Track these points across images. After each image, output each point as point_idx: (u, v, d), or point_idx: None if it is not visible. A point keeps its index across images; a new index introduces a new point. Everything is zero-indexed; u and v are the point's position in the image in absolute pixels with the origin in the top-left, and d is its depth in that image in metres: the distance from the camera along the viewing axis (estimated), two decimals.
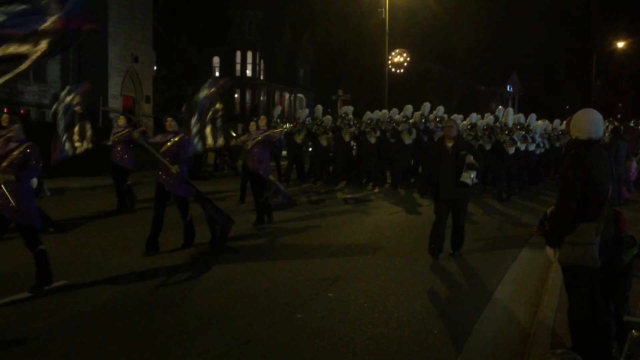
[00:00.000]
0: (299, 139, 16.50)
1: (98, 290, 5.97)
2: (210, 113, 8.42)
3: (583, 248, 4.04)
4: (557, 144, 17.76)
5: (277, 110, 18.18)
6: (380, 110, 17.59)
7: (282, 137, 14.15)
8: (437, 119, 16.18)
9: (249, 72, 50.36)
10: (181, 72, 37.67)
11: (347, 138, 16.18)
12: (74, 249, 7.80)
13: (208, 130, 8.46)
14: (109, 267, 6.87)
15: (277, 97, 53.20)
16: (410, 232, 9.53)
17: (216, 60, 50.42)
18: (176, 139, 7.77)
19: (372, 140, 15.78)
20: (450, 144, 7.45)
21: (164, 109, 31.99)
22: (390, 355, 4.58)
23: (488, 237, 9.38)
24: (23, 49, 4.73)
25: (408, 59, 34.93)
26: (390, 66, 33.14)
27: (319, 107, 17.85)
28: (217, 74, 50.09)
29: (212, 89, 8.45)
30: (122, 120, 11.28)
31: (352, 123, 16.26)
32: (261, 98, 50.25)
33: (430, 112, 16.74)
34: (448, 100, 45.08)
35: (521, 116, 15.47)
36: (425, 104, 16.72)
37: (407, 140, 15.67)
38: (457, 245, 7.89)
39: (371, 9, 32.45)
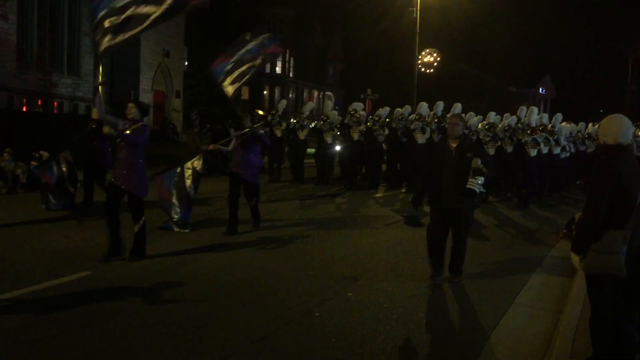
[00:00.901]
0: (302, 135, 15.72)
1: (114, 283, 6.06)
2: (246, 65, 8.28)
3: (609, 257, 3.95)
4: (583, 148, 16.90)
5: (309, 106, 17.41)
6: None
7: (264, 132, 13.00)
8: (415, 117, 14.90)
9: (278, 69, 50.56)
10: None
11: (355, 136, 15.27)
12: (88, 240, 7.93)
13: (235, 75, 8.27)
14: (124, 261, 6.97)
15: (305, 94, 53.29)
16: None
17: None
18: (135, 126, 6.77)
19: (380, 138, 15.09)
20: (454, 145, 6.31)
21: (194, 104, 32.34)
22: (407, 356, 4.55)
23: (511, 243, 9.25)
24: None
25: (438, 58, 34.60)
26: (420, 66, 32.93)
27: (329, 103, 17.14)
28: None
29: (265, 50, 8.29)
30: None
31: (361, 121, 15.31)
32: (290, 95, 50.37)
33: (449, 111, 15.17)
34: (478, 101, 44.56)
35: (545, 116, 14.54)
36: (438, 102, 15.60)
37: (420, 139, 14.53)
38: (458, 268, 6.58)
39: (402, 8, 32.27)
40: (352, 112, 15.46)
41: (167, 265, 6.79)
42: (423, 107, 15.35)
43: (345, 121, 15.54)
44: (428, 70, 34.70)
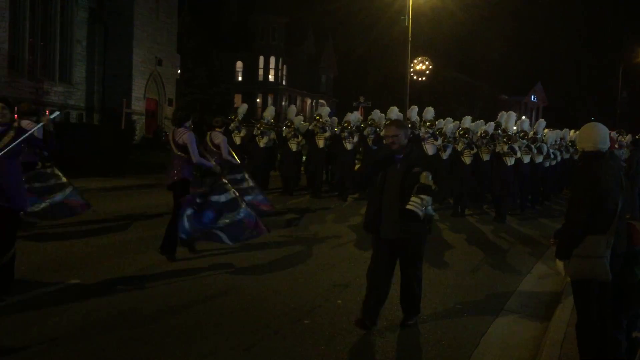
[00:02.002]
0: (262, 142, 14.48)
1: (103, 292, 6.03)
2: None
3: (593, 261, 3.98)
4: (567, 156, 16.32)
5: (270, 111, 15.64)
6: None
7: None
8: (427, 124, 13.78)
9: (271, 77, 50.65)
10: (204, 76, 38.03)
11: (321, 144, 14.17)
12: (80, 249, 7.90)
13: None
14: (116, 268, 6.94)
15: (298, 102, 53.39)
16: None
17: (239, 65, 50.84)
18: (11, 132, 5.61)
19: (349, 146, 13.94)
20: (398, 157, 5.00)
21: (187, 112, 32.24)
22: None
23: (500, 247, 9.28)
24: None
25: (430, 67, 34.76)
26: (412, 74, 33.05)
27: (293, 108, 15.91)
28: (240, 78, 50.53)
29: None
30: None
31: (326, 127, 14.24)
32: (283, 103, 50.47)
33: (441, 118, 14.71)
34: (470, 109, 44.75)
35: (525, 122, 13.62)
36: (428, 108, 14.56)
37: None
38: (413, 308, 5.32)
39: (394, 16, 32.39)
40: (317, 118, 14.58)
41: (153, 275, 6.76)
42: (413, 111, 14.72)
43: (310, 127, 14.63)
44: (420, 79, 34.84)
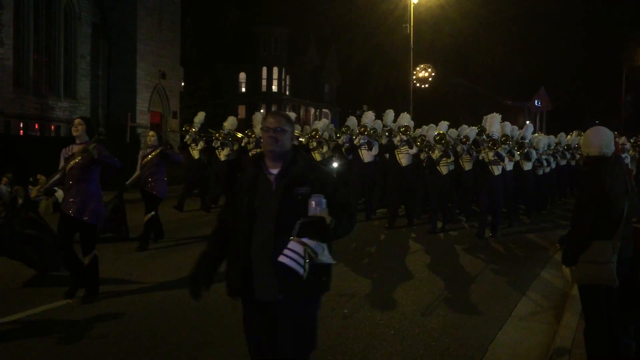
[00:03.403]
0: (222, 155, 13.22)
1: (106, 304, 6.04)
2: None
3: (600, 267, 3.97)
4: (564, 162, 15.15)
5: (230, 121, 13.83)
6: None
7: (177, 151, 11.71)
8: (402, 129, 11.52)
9: (274, 88, 50.81)
10: (208, 88, 38.22)
11: None
12: None
13: None
14: (120, 279, 6.96)
15: (302, 112, 53.51)
16: (428, 252, 9.49)
17: (242, 76, 51.03)
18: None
19: (318, 157, 12.67)
20: (274, 170, 3.20)
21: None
22: None
23: (505, 254, 9.26)
24: None
25: (433, 74, 34.86)
26: (415, 81, 33.14)
27: (232, 119, 14.03)
28: (243, 89, 50.73)
29: None
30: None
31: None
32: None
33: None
34: (475, 115, 44.77)
35: (507, 125, 11.78)
36: (388, 111, 13.06)
37: (367, 157, 11.87)
38: None
39: (396, 24, 32.56)
40: (313, 134, 13.09)
41: (157, 285, 6.77)
42: (389, 115, 12.79)
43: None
44: (423, 86, 34.91)
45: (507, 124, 11.73)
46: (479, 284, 7.35)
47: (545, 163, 13.52)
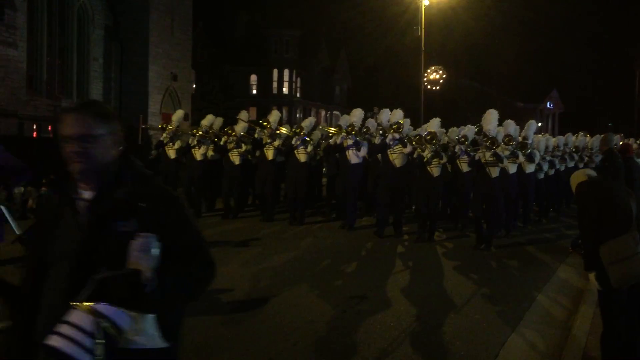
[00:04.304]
0: (199, 154, 12.27)
1: None
2: None
3: (630, 261, 3.92)
4: (572, 164, 13.68)
5: (208, 119, 13.20)
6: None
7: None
8: (393, 126, 10.55)
9: (285, 90, 50.96)
10: (219, 90, 38.40)
11: (270, 155, 11.65)
12: None
13: None
14: None
15: (313, 114, 53.60)
16: (439, 255, 9.47)
17: (253, 78, 51.23)
18: None
19: (302, 158, 11.42)
20: (87, 192, 2.07)
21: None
22: None
23: (517, 257, 9.22)
24: None
25: (444, 76, 34.77)
26: (426, 83, 33.08)
27: (210, 117, 13.33)
28: (254, 91, 50.93)
29: None
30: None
31: (276, 135, 11.70)
32: (297, 115, 50.71)
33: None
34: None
35: (510, 124, 10.41)
36: (355, 109, 11.91)
37: (354, 159, 10.96)
38: None
39: (407, 26, 32.55)
40: (264, 124, 11.92)
41: None
42: (384, 114, 11.46)
43: (256, 136, 12.25)
44: (434, 88, 34.84)
45: (511, 122, 10.41)
46: (490, 287, 7.31)
47: (545, 166, 12.48)
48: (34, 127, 22.30)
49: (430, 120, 10.89)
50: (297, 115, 51.12)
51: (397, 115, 10.86)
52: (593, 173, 4.43)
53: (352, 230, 11.02)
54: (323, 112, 55.60)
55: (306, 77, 52.27)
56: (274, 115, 12.35)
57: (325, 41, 53.98)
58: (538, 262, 9.00)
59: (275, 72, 50.45)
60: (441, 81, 35.06)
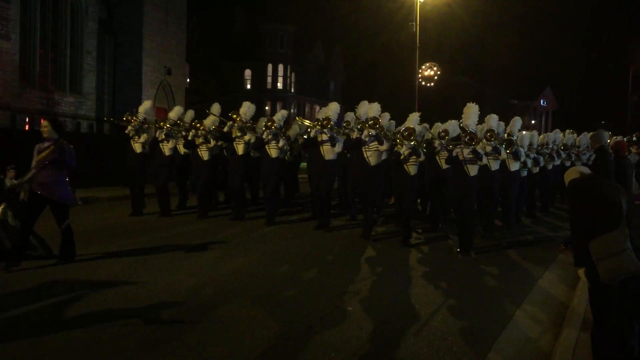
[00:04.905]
0: (167, 148, 11.80)
1: (112, 300, 6.06)
2: None
3: (618, 257, 3.92)
4: (558, 162, 13.62)
5: (176, 111, 13.13)
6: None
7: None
8: (370, 122, 9.68)
9: (279, 85, 50.88)
10: (213, 84, 38.27)
11: (240, 149, 11.31)
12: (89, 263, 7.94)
13: None
14: (122, 275, 6.97)
15: (307, 109, 53.55)
16: (432, 251, 9.47)
17: (248, 73, 51.13)
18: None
19: (273, 153, 10.93)
20: None
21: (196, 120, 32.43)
22: None
23: (510, 253, 9.23)
24: None
25: (439, 72, 34.76)
26: (420, 80, 33.06)
27: (178, 108, 13.20)
28: (248, 86, 50.80)
29: None
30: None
31: (246, 129, 11.31)
32: (292, 110, 50.64)
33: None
34: (480, 114, 44.64)
35: (494, 118, 10.01)
36: (331, 104, 11.17)
37: (329, 155, 10.53)
38: None
39: (402, 22, 32.51)
40: (234, 117, 11.38)
41: (162, 281, 6.78)
42: (363, 108, 10.44)
43: (225, 130, 11.63)
44: (429, 84, 34.84)
45: (494, 116, 10.02)
46: (482, 282, 7.33)
47: (529, 163, 11.89)
48: (26, 119, 22.14)
49: (409, 116, 10.33)
50: (292, 111, 51.06)
51: (374, 109, 10.14)
52: (586, 170, 4.44)
53: (328, 231, 10.53)
54: (317, 108, 55.53)
55: (301, 73, 52.21)
56: (245, 107, 11.66)
57: (320, 37, 53.94)
58: (535, 256, 8.98)
59: (270, 67, 50.38)
60: (436, 78, 35.04)
